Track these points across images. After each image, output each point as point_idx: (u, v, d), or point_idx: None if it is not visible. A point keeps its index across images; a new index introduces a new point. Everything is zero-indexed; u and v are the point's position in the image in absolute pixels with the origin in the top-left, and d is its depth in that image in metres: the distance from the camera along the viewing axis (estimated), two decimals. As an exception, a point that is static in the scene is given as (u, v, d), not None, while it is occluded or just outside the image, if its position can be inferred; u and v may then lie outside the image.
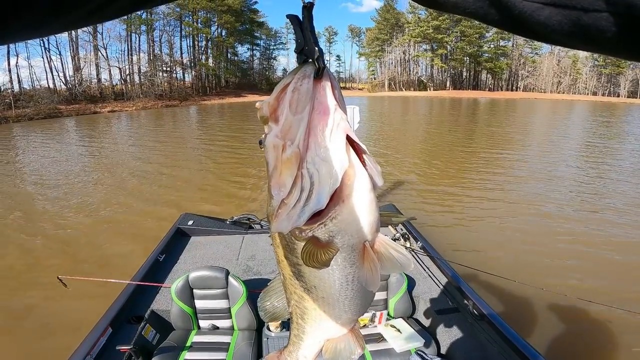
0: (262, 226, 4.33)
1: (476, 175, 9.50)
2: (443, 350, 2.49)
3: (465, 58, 59.16)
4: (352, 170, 0.40)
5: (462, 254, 4.68)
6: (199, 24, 47.21)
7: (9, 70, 31.33)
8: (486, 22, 0.28)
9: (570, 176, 9.48)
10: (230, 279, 2.56)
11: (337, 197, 0.40)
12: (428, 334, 2.56)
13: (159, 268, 3.28)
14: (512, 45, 60.51)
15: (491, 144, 14.25)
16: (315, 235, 0.42)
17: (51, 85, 34.40)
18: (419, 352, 2.19)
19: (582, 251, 5.25)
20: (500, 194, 7.98)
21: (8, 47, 31.52)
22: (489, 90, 61.08)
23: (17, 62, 32.44)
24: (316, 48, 0.38)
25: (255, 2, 54.64)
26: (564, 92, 58.79)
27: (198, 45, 47.91)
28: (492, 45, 59.85)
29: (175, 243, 3.81)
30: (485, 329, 2.45)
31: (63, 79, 35.40)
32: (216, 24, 48.57)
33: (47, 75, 34.88)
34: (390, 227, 3.84)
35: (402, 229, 3.79)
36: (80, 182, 9.18)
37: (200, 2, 44.25)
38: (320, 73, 0.38)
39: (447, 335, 2.55)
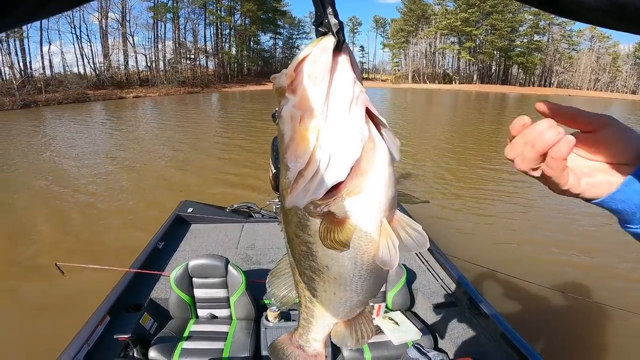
0: (262, 215, 4.24)
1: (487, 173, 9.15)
2: (440, 344, 2.46)
3: (495, 52, 56.52)
4: (372, 142, 0.39)
5: (461, 248, 4.53)
6: (222, 13, 47.46)
7: (41, 57, 32.70)
8: None
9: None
10: (230, 267, 2.48)
11: (354, 170, 0.39)
12: (425, 327, 2.53)
13: (158, 256, 3.23)
14: (548, 40, 57.34)
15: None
16: (330, 211, 0.40)
17: (81, 72, 35.68)
18: (416, 345, 2.19)
19: (582, 248, 5.12)
20: (506, 190, 7.77)
21: (41, 36, 32.95)
22: (519, 85, 58.35)
23: (49, 49, 33.82)
24: (336, 21, 0.37)
25: (279, -9, 54.28)
26: (601, 90, 55.40)
27: (221, 33, 48.25)
28: (525, 40, 56.86)
29: (175, 230, 3.75)
30: (483, 323, 2.41)
31: (92, 65, 36.62)
32: (239, 12, 48.64)
33: (77, 61, 36.25)
34: None
35: None
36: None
37: (224, -10, 44.39)
38: (340, 46, 0.37)
39: (445, 329, 2.51)
